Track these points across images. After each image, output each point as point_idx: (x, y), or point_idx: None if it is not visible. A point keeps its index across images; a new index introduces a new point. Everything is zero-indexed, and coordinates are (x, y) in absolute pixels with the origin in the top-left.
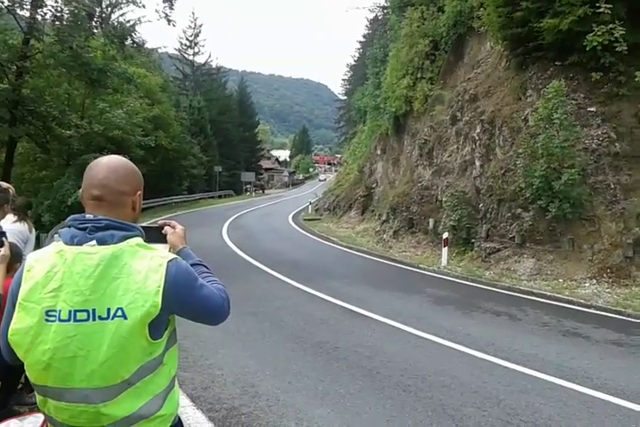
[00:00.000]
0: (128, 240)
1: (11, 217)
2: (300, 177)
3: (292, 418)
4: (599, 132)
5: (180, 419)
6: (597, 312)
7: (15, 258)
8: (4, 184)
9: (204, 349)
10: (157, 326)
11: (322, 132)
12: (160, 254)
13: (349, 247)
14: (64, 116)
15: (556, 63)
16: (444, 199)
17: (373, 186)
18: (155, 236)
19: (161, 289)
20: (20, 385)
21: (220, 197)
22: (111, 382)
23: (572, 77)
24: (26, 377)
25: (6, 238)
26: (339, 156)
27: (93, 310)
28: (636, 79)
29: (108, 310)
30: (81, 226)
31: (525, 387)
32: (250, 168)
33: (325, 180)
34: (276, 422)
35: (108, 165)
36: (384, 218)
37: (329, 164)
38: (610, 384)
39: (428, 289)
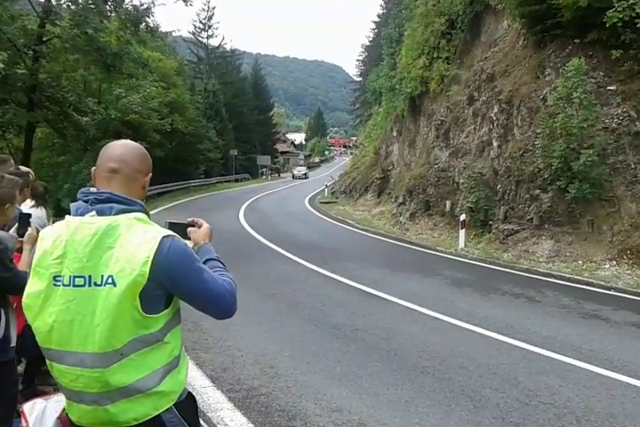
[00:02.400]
0: (127, 214)
1: (28, 202)
2: (316, 160)
3: (310, 399)
4: (619, 111)
5: (191, 395)
6: (617, 294)
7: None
8: (24, 168)
9: (223, 331)
10: (150, 300)
11: (337, 115)
12: (157, 229)
13: (366, 230)
14: (80, 101)
15: (575, 41)
16: (461, 181)
17: (389, 168)
18: (181, 232)
19: (150, 260)
20: (44, 366)
21: (236, 180)
22: (103, 349)
23: (592, 55)
24: None
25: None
26: (354, 138)
27: (89, 277)
28: None
29: (102, 276)
30: (85, 198)
31: (544, 369)
32: (265, 151)
33: (305, 175)
34: (295, 403)
35: (124, 144)
36: (400, 200)
37: (344, 146)
38: (630, 366)
39: (445, 271)
